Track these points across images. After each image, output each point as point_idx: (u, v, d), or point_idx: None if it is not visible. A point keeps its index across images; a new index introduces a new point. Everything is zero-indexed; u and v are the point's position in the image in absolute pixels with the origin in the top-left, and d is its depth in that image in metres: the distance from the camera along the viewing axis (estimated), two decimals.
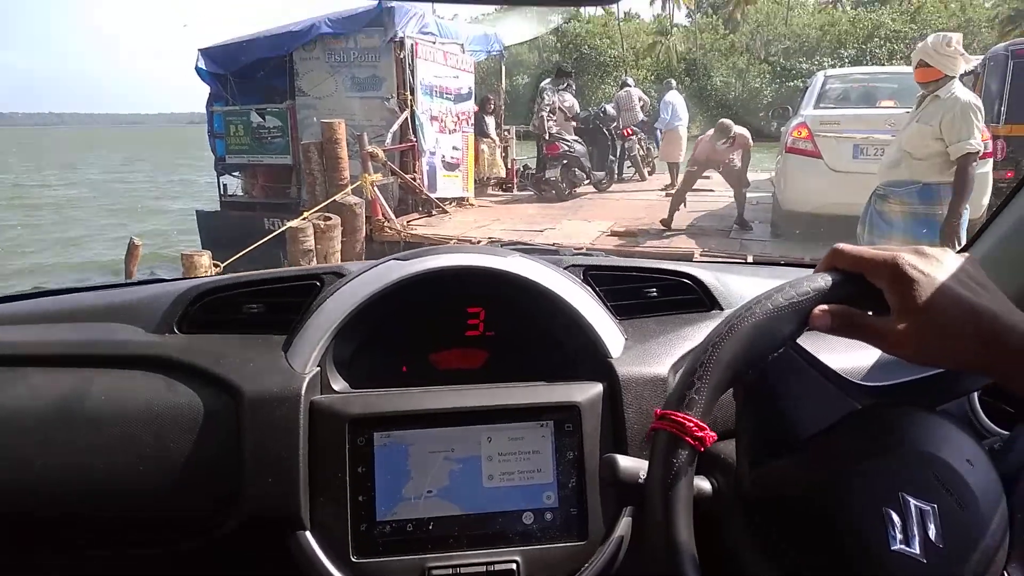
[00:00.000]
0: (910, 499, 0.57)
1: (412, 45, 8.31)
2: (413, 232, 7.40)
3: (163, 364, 0.89)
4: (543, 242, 6.80)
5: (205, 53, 9.26)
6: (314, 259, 6.32)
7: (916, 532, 0.56)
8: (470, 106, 9.79)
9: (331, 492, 0.81)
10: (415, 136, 8.53)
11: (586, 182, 10.25)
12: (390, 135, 8.23)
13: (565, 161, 9.72)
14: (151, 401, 0.85)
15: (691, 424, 0.57)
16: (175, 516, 0.83)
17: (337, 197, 6.93)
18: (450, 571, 0.81)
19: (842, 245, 0.62)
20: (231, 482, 0.81)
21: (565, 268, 0.99)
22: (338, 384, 0.90)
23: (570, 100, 10.76)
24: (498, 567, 0.81)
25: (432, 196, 8.70)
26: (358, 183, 7.26)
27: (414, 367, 0.96)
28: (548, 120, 10.13)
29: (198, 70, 9.25)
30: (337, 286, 0.93)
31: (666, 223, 7.42)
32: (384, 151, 7.72)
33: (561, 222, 8.01)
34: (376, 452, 0.83)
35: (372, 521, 0.82)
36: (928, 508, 0.57)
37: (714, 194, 9.77)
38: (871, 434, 0.60)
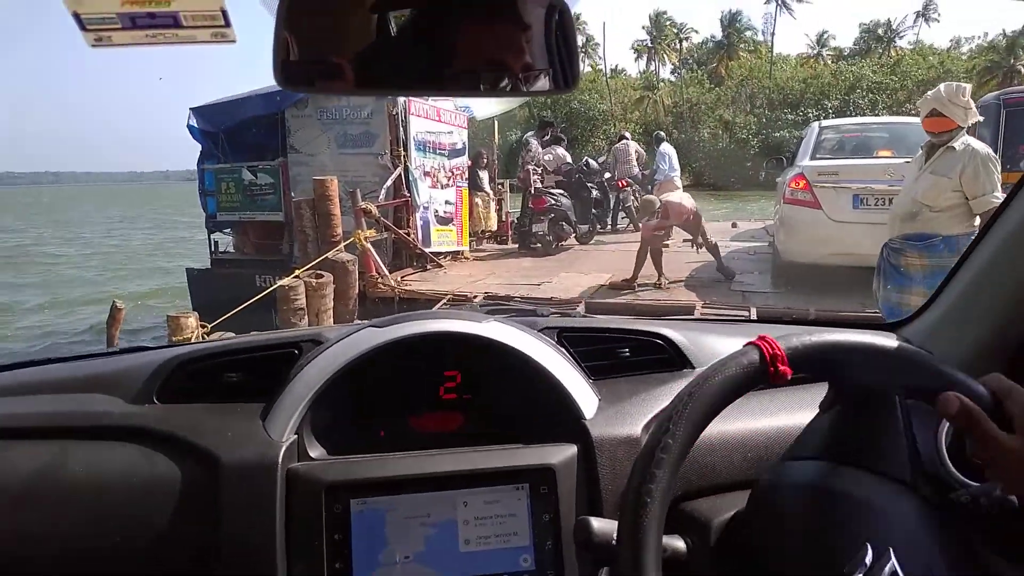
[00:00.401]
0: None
1: (405, 102, 8.35)
2: (407, 288, 7.23)
3: (142, 435, 0.89)
4: (540, 296, 6.62)
5: (196, 112, 9.27)
6: (305, 318, 6.14)
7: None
8: (463, 161, 9.82)
9: (308, 559, 0.82)
10: (408, 191, 8.51)
11: (571, 236, 10.18)
12: (383, 191, 8.20)
13: (552, 215, 9.66)
14: (128, 473, 0.86)
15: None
16: None
17: (329, 254, 6.80)
18: None
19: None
20: (208, 552, 0.81)
21: (540, 330, 1.01)
22: (315, 451, 0.90)
23: (553, 154, 10.76)
24: None
25: (426, 251, 8.65)
26: (351, 239, 7.16)
27: (391, 431, 0.97)
28: (533, 174, 10.15)
29: (190, 128, 9.26)
30: (315, 354, 0.94)
31: (628, 283, 7.07)
32: (377, 207, 7.68)
33: (558, 275, 7.88)
34: (353, 519, 0.84)
35: None
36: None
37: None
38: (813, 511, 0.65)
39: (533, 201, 9.73)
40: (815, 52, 51.81)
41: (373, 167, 8.53)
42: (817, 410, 0.75)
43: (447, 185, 9.41)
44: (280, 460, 0.85)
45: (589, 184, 10.89)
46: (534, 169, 10.28)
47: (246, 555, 0.81)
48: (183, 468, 0.86)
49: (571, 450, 0.89)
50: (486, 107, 10.25)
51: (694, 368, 1.02)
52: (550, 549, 0.86)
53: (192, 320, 5.56)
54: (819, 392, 0.74)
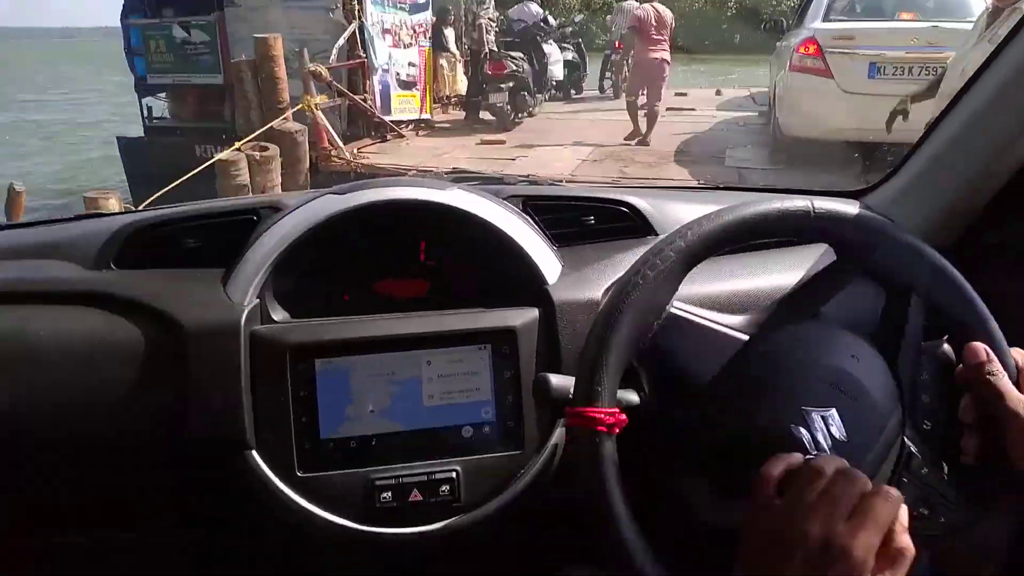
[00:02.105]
0: (811, 410, 0.65)
1: None
2: (364, 162, 6.50)
3: (102, 300, 0.91)
4: (516, 174, 5.88)
5: None
6: (250, 195, 5.40)
7: (824, 437, 0.64)
8: (427, 17, 8.96)
9: (274, 415, 0.86)
10: (365, 51, 7.75)
11: (532, 107, 9.20)
12: (335, 51, 7.42)
13: (512, 83, 8.48)
14: (91, 336, 0.88)
15: (601, 415, 0.65)
16: (123, 448, 0.88)
17: (275, 123, 6.13)
18: (393, 482, 0.86)
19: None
20: (177, 412, 0.85)
21: (505, 199, 1.02)
22: (278, 315, 0.92)
23: (524, 10, 9.48)
24: (439, 476, 0.87)
25: (386, 119, 8.01)
26: (299, 106, 6.61)
27: (355, 296, 0.98)
28: (487, 32, 8.98)
29: None
30: (274, 220, 0.95)
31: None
32: (329, 69, 6.99)
33: (534, 148, 7.17)
34: (318, 376, 0.87)
35: (316, 439, 0.87)
36: (828, 413, 0.65)
37: (696, 113, 8.91)
38: (761, 362, 0.69)
39: (491, 66, 8.56)
40: None
41: (324, 23, 7.69)
42: (781, 272, 0.83)
43: (410, 45, 8.66)
44: (243, 322, 0.87)
45: (547, 45, 9.75)
46: (488, 27, 9.09)
47: (213, 415, 0.85)
48: (146, 332, 0.88)
49: (533, 313, 0.92)
50: None
51: (658, 235, 1.03)
52: (511, 403, 0.91)
53: (114, 201, 4.86)
54: (793, 255, 0.82)
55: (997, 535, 0.68)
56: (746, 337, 0.70)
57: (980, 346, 0.65)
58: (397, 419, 0.88)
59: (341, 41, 7.45)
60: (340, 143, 6.84)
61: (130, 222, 0.98)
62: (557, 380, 0.69)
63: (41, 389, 0.85)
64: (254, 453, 0.84)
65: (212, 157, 5.83)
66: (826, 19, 6.07)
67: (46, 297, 0.92)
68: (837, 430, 0.64)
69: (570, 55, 10.87)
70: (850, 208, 0.71)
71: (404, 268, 1.00)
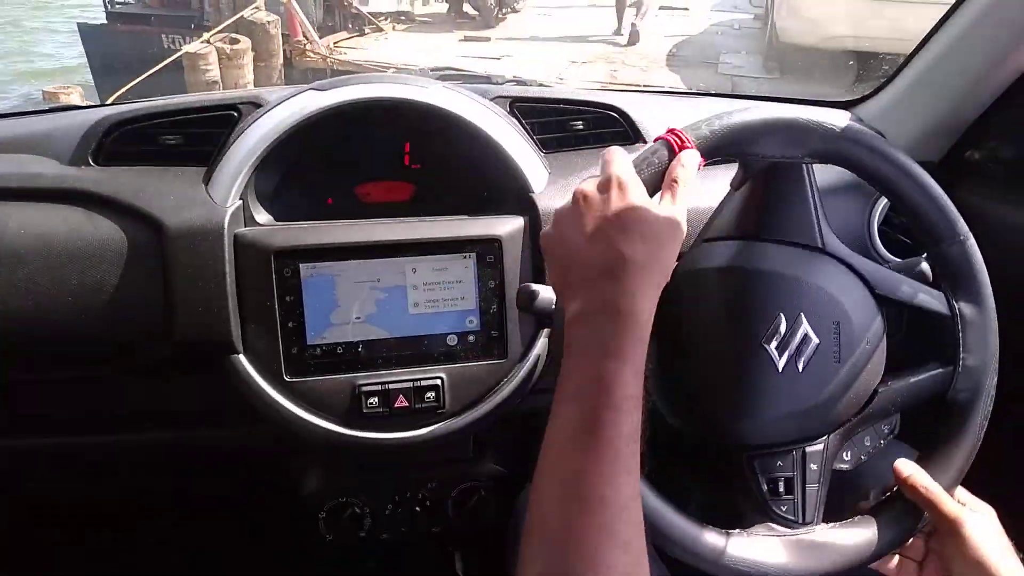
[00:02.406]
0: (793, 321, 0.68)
1: None
2: (341, 58, 6.18)
3: (81, 197, 0.89)
4: (501, 75, 5.67)
5: None
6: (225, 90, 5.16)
7: (795, 354, 0.68)
8: None
9: (260, 319, 0.86)
10: None
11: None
12: None
13: None
14: (72, 235, 0.86)
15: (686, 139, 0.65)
16: (108, 346, 0.88)
17: (245, 13, 5.70)
18: (379, 387, 0.88)
19: (914, 479, 0.69)
20: (161, 312, 0.85)
21: (492, 99, 1.00)
22: (262, 217, 0.91)
23: None
24: (424, 383, 0.89)
25: (363, 10, 7.57)
26: None
27: (339, 200, 0.98)
28: None
29: None
30: (255, 117, 0.93)
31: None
32: None
33: (520, 46, 6.79)
34: (303, 282, 0.87)
35: (303, 345, 0.88)
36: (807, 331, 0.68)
37: (690, 13, 8.52)
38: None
39: None
40: None
41: None
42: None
43: None
44: (226, 224, 0.86)
45: None
46: None
47: (200, 317, 0.85)
48: (127, 231, 0.87)
49: (518, 222, 0.92)
50: None
51: (646, 142, 1.00)
52: (495, 312, 0.92)
53: (76, 96, 4.59)
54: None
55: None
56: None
57: (901, 464, 0.69)
58: (383, 326, 0.89)
59: None
60: (315, 36, 6.47)
61: (106, 116, 0.95)
62: (541, 290, 0.71)
63: (23, 289, 0.84)
64: (241, 357, 0.86)
65: (180, 49, 5.55)
66: None
67: (24, 194, 0.89)
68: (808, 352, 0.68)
69: None
70: (839, 119, 0.70)
71: (387, 170, 0.99)
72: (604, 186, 0.58)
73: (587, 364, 0.53)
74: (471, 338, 0.91)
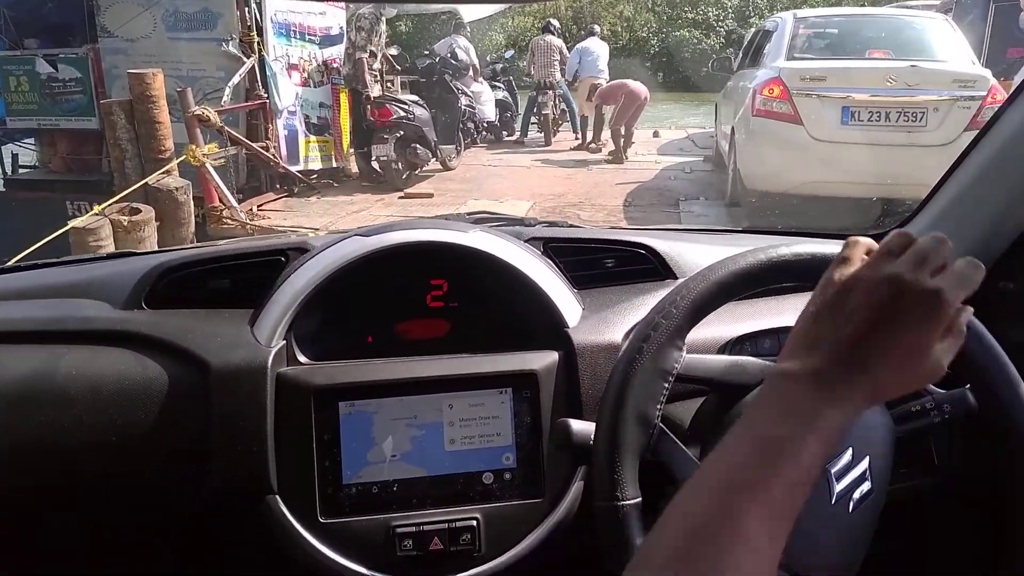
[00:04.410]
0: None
1: None
2: (263, 223, 5.51)
3: (131, 339, 0.94)
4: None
5: None
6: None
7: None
8: (341, 50, 7.95)
9: (298, 459, 0.88)
10: (267, 90, 6.81)
11: (432, 161, 7.58)
12: (229, 90, 6.43)
13: (400, 133, 6.98)
14: (121, 376, 0.90)
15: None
16: (149, 487, 0.91)
17: (150, 179, 4.95)
18: (414, 529, 0.88)
19: None
20: (202, 452, 0.88)
21: (526, 241, 1.06)
22: (303, 356, 0.96)
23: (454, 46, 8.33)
24: (459, 524, 0.89)
25: (292, 170, 7.00)
26: (184, 156, 5.51)
27: (379, 337, 1.02)
28: (369, 69, 7.17)
29: None
30: (301, 261, 0.98)
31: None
32: (220, 112, 5.95)
33: (467, 202, 6.30)
34: (341, 420, 0.90)
35: (338, 484, 0.90)
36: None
37: (637, 157, 8.27)
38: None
39: (374, 112, 6.96)
40: None
41: (216, 57, 6.75)
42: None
43: (321, 82, 7.72)
44: (269, 364, 0.89)
45: (453, 85, 8.26)
46: (372, 60, 7.25)
47: (238, 456, 0.87)
48: (174, 372, 0.91)
49: (553, 356, 0.95)
50: None
51: (677, 279, 1.07)
52: (531, 449, 0.93)
53: None
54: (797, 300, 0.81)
55: None
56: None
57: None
58: (419, 464, 0.91)
59: (236, 79, 6.49)
60: (233, 201, 5.75)
61: (160, 262, 1.02)
62: (578, 425, 0.77)
63: (71, 428, 0.89)
64: (277, 498, 0.87)
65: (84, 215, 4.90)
66: (791, 57, 5.49)
67: (78, 336, 0.95)
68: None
69: (501, 94, 10.10)
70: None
71: (426, 309, 1.03)
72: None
73: (796, 421, 0.51)
74: (507, 476, 0.93)
